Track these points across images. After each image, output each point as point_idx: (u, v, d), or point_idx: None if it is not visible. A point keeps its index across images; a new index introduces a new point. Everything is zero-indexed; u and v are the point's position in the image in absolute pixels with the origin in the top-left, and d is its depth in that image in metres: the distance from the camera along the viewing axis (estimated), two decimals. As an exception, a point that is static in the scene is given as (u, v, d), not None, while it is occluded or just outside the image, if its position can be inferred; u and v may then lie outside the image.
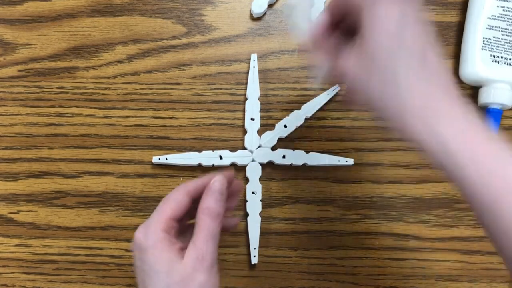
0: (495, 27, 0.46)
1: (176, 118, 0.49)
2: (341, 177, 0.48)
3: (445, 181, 0.48)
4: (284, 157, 0.47)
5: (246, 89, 0.49)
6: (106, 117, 0.50)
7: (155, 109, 0.49)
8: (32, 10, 0.51)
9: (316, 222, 0.48)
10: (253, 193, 0.47)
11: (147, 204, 0.49)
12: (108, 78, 0.50)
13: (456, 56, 0.49)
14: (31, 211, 0.49)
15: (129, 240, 0.48)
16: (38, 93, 0.50)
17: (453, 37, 0.50)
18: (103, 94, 0.50)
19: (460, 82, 0.48)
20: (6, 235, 0.49)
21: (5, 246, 0.49)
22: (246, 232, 0.48)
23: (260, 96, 0.48)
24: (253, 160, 0.48)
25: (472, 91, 0.49)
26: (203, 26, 0.50)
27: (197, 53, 0.50)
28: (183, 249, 0.35)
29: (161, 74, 0.50)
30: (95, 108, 0.50)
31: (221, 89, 0.50)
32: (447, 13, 0.50)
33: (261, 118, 0.48)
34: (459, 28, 0.50)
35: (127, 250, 0.48)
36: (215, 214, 0.35)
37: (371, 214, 0.48)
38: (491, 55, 0.46)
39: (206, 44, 0.50)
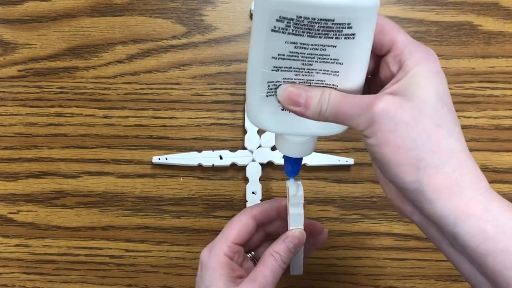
0: (286, 68, 0.30)
1: (176, 118, 0.49)
2: (341, 177, 0.48)
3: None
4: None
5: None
6: (106, 117, 0.50)
7: (155, 109, 0.49)
8: (32, 10, 0.51)
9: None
10: (253, 193, 0.47)
11: (147, 204, 0.49)
12: (108, 78, 0.50)
13: (454, 56, 0.49)
14: (31, 211, 0.49)
15: (129, 240, 0.48)
16: (38, 93, 0.50)
17: (453, 37, 0.50)
18: (103, 94, 0.50)
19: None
20: (6, 235, 0.49)
21: (5, 246, 0.49)
22: (246, 232, 0.48)
23: (260, 96, 0.48)
24: (253, 160, 0.48)
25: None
26: (203, 26, 0.50)
27: (197, 53, 0.50)
28: (241, 277, 0.35)
29: (161, 74, 0.50)
30: (95, 108, 0.50)
31: (221, 89, 0.50)
32: (447, 13, 0.50)
33: (261, 118, 0.48)
34: (459, 28, 0.50)
35: (127, 250, 0.48)
36: (282, 261, 0.35)
37: (371, 214, 0.48)
38: (279, 105, 0.32)
39: (206, 44, 0.50)
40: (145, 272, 0.48)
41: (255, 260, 0.38)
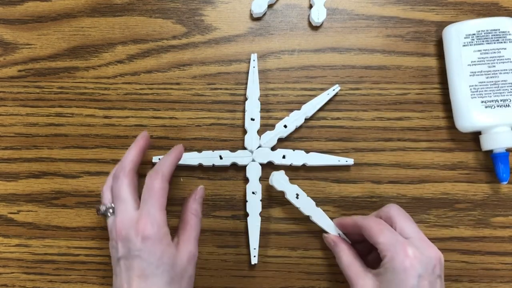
0: (478, 72, 0.45)
1: (176, 118, 0.49)
2: (341, 177, 0.48)
3: (445, 181, 0.48)
4: (284, 157, 0.47)
5: (246, 89, 0.49)
6: (106, 117, 0.50)
7: (155, 109, 0.49)
8: (32, 10, 0.51)
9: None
10: (253, 193, 0.47)
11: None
12: (108, 78, 0.50)
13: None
14: (31, 211, 0.49)
15: (129, 240, 0.48)
16: (38, 93, 0.50)
17: (453, 37, 0.50)
18: (103, 94, 0.50)
19: (458, 131, 0.48)
20: (6, 235, 0.49)
21: (5, 246, 0.49)
22: (246, 232, 0.48)
23: (260, 96, 0.48)
24: (253, 160, 0.48)
25: (473, 136, 0.48)
26: (203, 26, 0.50)
27: (197, 53, 0.50)
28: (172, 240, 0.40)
29: (161, 74, 0.50)
30: (95, 108, 0.50)
31: (221, 89, 0.50)
32: (447, 13, 0.50)
33: (261, 118, 0.48)
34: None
35: (127, 250, 0.48)
36: (200, 215, 0.43)
37: (371, 214, 0.48)
38: (482, 102, 0.45)
39: (206, 44, 0.50)
40: (145, 272, 0.48)
41: None
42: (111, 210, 0.41)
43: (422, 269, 0.37)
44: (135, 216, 0.39)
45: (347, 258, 0.42)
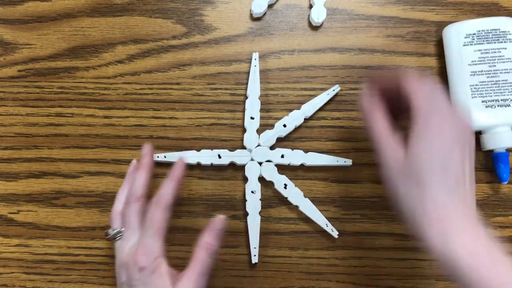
0: (478, 71, 0.45)
1: (176, 118, 0.49)
2: (341, 177, 0.48)
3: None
4: (282, 156, 0.47)
5: (246, 89, 0.49)
6: (106, 117, 0.50)
7: (155, 109, 0.49)
8: (32, 10, 0.51)
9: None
10: (252, 192, 0.47)
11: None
12: (108, 78, 0.50)
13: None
14: (31, 211, 0.49)
15: (129, 240, 0.48)
16: (38, 93, 0.50)
17: (453, 37, 0.50)
18: (103, 94, 0.50)
19: None
20: (6, 235, 0.49)
21: (5, 246, 0.49)
22: (246, 232, 0.48)
23: (260, 96, 0.48)
24: (251, 159, 0.48)
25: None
26: (203, 26, 0.50)
27: (197, 53, 0.50)
28: (174, 275, 0.38)
29: (161, 74, 0.50)
30: (95, 108, 0.50)
31: (221, 89, 0.50)
32: (447, 13, 0.50)
33: (261, 118, 0.48)
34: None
35: (127, 250, 0.48)
36: (213, 250, 0.39)
37: (371, 214, 0.48)
38: (482, 101, 0.45)
39: (206, 44, 0.50)
40: (145, 272, 0.48)
41: None
42: (120, 235, 0.41)
43: (456, 137, 0.34)
44: (136, 244, 0.39)
45: (380, 129, 0.38)
